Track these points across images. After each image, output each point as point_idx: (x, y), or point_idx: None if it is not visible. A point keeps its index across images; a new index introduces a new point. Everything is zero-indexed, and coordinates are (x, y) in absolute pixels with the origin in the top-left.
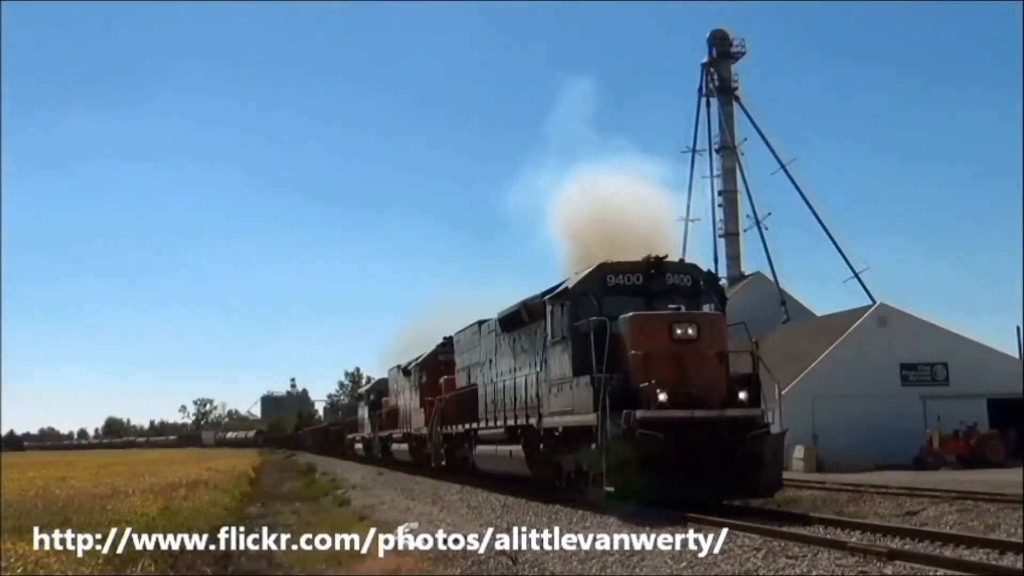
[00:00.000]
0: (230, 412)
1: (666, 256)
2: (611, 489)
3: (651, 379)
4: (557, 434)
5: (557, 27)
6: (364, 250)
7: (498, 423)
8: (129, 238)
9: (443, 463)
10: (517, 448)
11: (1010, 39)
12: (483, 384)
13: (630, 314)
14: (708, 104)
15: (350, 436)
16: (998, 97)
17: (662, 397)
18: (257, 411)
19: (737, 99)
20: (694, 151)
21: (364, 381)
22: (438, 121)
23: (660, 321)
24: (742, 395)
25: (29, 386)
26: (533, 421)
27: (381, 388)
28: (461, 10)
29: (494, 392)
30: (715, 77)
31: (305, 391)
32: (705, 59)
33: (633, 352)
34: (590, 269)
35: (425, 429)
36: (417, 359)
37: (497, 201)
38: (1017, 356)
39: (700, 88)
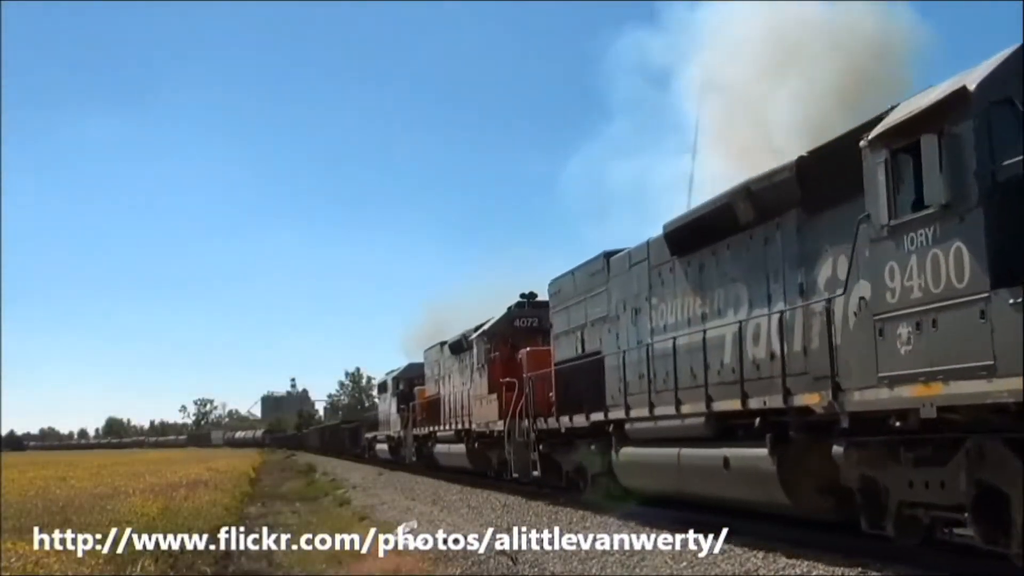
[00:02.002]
0: (230, 412)
1: None
2: None
3: None
4: (899, 425)
5: (558, 28)
6: (365, 249)
7: (682, 409)
8: (130, 238)
9: (536, 473)
10: (751, 454)
11: (1010, 39)
12: (620, 350)
13: None
14: None
15: (369, 435)
16: None
17: None
18: (257, 411)
19: None
20: (694, 152)
21: (365, 381)
22: (437, 120)
23: None
24: None
25: (29, 386)
26: (809, 400)
27: (413, 374)
28: (466, 9)
29: (650, 358)
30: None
31: (305, 391)
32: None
33: None
34: (1013, 49)
35: (499, 424)
36: (479, 327)
37: (501, 194)
38: None
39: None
